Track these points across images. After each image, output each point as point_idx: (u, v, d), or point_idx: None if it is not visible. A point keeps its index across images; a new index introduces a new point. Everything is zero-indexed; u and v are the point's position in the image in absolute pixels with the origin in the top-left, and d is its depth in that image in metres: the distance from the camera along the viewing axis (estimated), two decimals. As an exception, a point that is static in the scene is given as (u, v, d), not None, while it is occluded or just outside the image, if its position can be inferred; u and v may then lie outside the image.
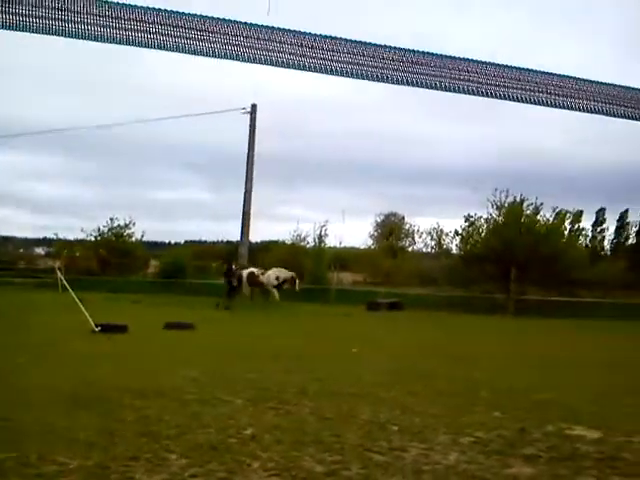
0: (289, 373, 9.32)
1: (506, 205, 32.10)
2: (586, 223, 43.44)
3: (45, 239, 41.30)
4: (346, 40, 1.99)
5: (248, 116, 36.53)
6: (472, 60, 2.20)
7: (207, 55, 2.03)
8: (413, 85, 2.07)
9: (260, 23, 2.07)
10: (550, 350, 14.02)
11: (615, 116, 2.28)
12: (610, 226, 47.92)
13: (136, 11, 1.98)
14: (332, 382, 8.73)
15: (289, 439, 5.68)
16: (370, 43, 2.03)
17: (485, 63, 2.20)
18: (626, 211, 47.79)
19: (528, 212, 32.24)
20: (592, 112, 2.29)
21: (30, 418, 6.18)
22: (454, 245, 35.64)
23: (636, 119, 2.42)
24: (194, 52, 2.03)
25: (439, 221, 50.86)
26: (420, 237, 46.43)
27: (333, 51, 1.98)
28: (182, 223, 78.08)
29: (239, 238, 37.84)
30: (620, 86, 2.42)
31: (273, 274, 27.91)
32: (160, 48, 2.00)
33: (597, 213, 47.68)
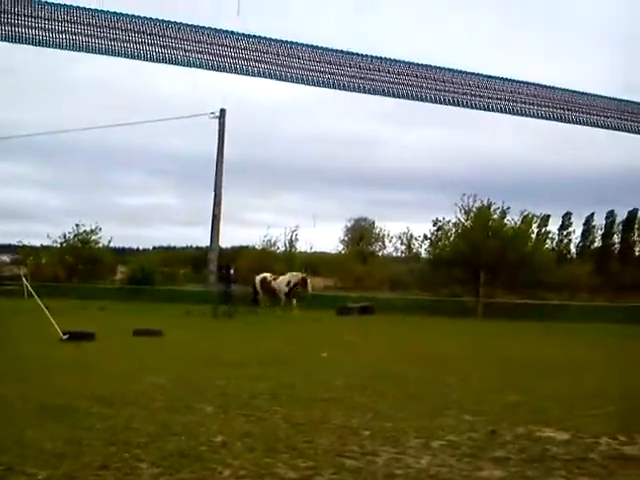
0: (259, 379, 9.27)
1: (474, 209, 32.48)
2: (553, 227, 44.20)
3: (10, 246, 40.54)
4: (326, 49, 1.99)
5: (217, 121, 36.43)
6: (440, 68, 2.21)
7: (168, 62, 1.99)
8: (386, 95, 2.08)
9: (227, 29, 2.05)
10: (518, 353, 14.18)
11: (582, 124, 2.31)
12: (576, 229, 48.76)
13: (96, 16, 1.94)
14: (303, 388, 8.71)
15: (261, 446, 5.65)
16: (343, 51, 2.03)
17: (453, 71, 2.22)
18: (592, 215, 48.67)
19: (495, 216, 32.67)
20: (559, 120, 2.32)
21: (-4, 429, 6.05)
22: (423, 249, 35.98)
23: (601, 127, 2.46)
24: (153, 59, 1.98)
25: (409, 225, 51.30)
26: (390, 242, 46.79)
27: (311, 60, 1.98)
28: (150, 229, 77.35)
29: (209, 244, 37.66)
30: (586, 94, 2.45)
31: (284, 280, 26.63)
32: (118, 55, 1.96)
33: (563, 217, 48.49)
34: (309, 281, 26.43)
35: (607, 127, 2.32)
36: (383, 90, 2.15)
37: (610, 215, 48.66)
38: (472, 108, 2.26)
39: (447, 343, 16.54)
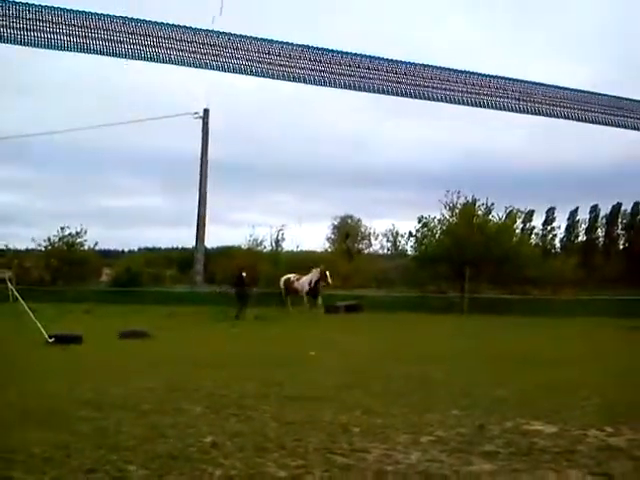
0: (248, 379, 9.26)
1: (458, 206, 32.64)
2: (537, 222, 44.53)
3: (-6, 249, 40.22)
4: (310, 47, 1.98)
5: (201, 121, 36.32)
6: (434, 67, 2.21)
7: (152, 60, 1.97)
8: (373, 91, 2.08)
9: (211, 29, 2.03)
10: (505, 347, 14.28)
11: (566, 118, 2.32)
12: (561, 224, 49.11)
13: (77, 16, 1.92)
14: (292, 386, 8.71)
15: (251, 445, 5.64)
16: (329, 49, 2.03)
17: (443, 69, 2.22)
18: (576, 209, 49.06)
19: (480, 212, 32.85)
20: (544, 115, 2.33)
21: (-18, 434, 6.00)
22: (409, 246, 36.12)
23: (586, 121, 2.47)
24: (138, 57, 1.97)
25: (395, 223, 51.49)
26: (376, 239, 46.90)
27: (300, 58, 1.97)
28: (135, 230, 77.07)
29: (194, 244, 37.54)
30: (569, 89, 2.46)
31: (307, 279, 26.06)
32: (100, 53, 1.94)
33: (547, 212, 48.83)
34: (328, 273, 25.66)
35: (591, 121, 2.33)
36: (369, 87, 2.14)
37: (594, 210, 49.09)
38: (456, 103, 2.26)
39: (434, 339, 16.62)
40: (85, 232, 37.54)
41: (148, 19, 1.98)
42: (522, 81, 2.39)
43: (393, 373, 10.11)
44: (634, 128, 2.48)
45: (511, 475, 4.90)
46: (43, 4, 1.86)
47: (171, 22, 1.99)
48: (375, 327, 20.51)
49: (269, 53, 2.01)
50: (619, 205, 47.86)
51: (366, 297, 30.74)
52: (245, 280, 25.14)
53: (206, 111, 36.30)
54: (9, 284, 19.73)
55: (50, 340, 13.85)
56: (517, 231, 35.35)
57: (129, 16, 1.96)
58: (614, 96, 2.50)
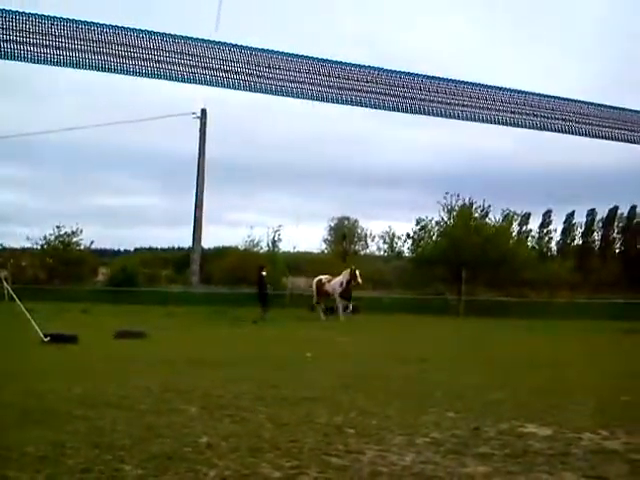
0: (244, 380, 9.26)
1: (456, 208, 32.71)
2: (533, 225, 44.61)
3: (-10, 248, 40.14)
4: (307, 57, 1.96)
5: (198, 121, 36.30)
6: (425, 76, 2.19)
7: (144, 75, 1.92)
8: (372, 107, 2.06)
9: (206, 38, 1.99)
10: (501, 350, 14.30)
11: (567, 133, 2.31)
12: (557, 227, 49.19)
13: (67, 26, 1.89)
14: (288, 387, 8.71)
15: (246, 446, 5.64)
16: (327, 60, 2.00)
17: (433, 78, 2.20)
18: (572, 213, 49.13)
19: (477, 215, 32.93)
20: (538, 129, 2.32)
21: (-23, 433, 5.99)
22: (406, 248, 36.16)
23: (584, 135, 2.45)
24: (129, 72, 1.91)
25: (391, 224, 51.53)
26: (373, 240, 46.93)
27: (289, 70, 1.95)
28: (132, 230, 76.92)
29: (191, 244, 37.51)
30: (566, 99, 2.45)
31: (338, 280, 24.60)
32: (92, 68, 1.89)
33: (544, 215, 48.88)
34: (358, 272, 24.38)
35: (589, 135, 2.33)
36: (363, 101, 2.12)
37: (591, 213, 49.16)
38: (453, 118, 2.24)
39: (430, 341, 16.64)
40: (81, 231, 37.54)
41: (138, 28, 1.93)
42: (518, 91, 2.37)
43: (389, 374, 10.12)
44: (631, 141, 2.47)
45: (506, 477, 4.91)
46: (34, 13, 1.82)
47: (163, 32, 1.95)
48: (371, 328, 20.53)
49: (267, 66, 1.97)
50: (616, 208, 47.96)
51: (363, 298, 30.74)
52: (266, 280, 24.12)
53: (204, 111, 36.29)
54: (4, 283, 19.68)
55: (46, 339, 13.83)
56: (514, 234, 35.44)
57: (119, 25, 1.92)
58: (610, 106, 2.49)
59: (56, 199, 65.90)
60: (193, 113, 36.02)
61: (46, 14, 1.80)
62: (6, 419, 6.57)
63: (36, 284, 33.76)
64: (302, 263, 39.93)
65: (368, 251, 47.84)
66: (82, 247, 38.01)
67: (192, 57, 1.85)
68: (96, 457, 5.25)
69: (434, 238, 33.18)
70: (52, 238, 37.16)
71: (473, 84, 2.18)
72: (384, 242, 43.05)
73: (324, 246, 49.02)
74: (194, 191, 36.39)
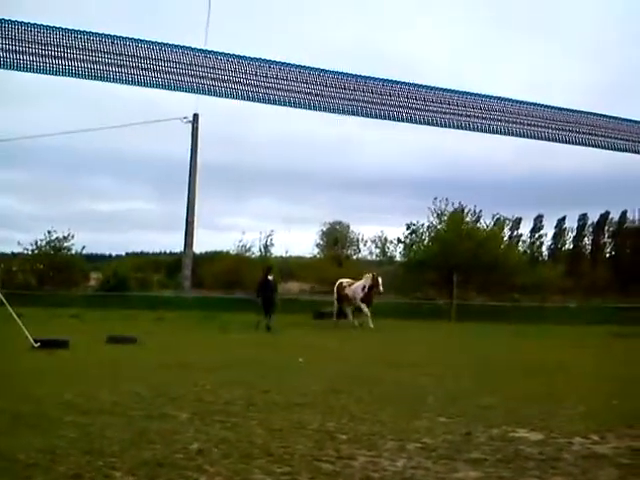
0: (235, 385, 9.24)
1: (446, 213, 32.81)
2: (524, 229, 44.81)
3: (-21, 253, 39.91)
4: (296, 66, 1.96)
5: (190, 125, 36.27)
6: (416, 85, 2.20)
7: (136, 84, 1.91)
8: (361, 115, 2.06)
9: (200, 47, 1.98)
10: (492, 355, 14.32)
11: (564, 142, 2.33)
12: (548, 232, 49.41)
13: (60, 35, 1.88)
14: (279, 393, 8.70)
15: (237, 452, 5.64)
16: (315, 68, 2.00)
17: (425, 87, 2.21)
18: (563, 218, 49.37)
19: (468, 219, 33.04)
20: (536, 138, 2.33)
21: (-34, 440, 5.95)
22: (398, 253, 36.19)
23: (580, 144, 2.47)
24: (119, 80, 1.90)
25: (383, 229, 51.58)
26: (365, 245, 46.91)
27: (283, 79, 1.95)
28: (123, 235, 76.61)
29: (182, 249, 37.44)
30: (561, 109, 2.46)
31: (360, 284, 23.13)
32: (85, 77, 1.88)
33: (535, 220, 49.10)
34: (380, 280, 22.99)
35: (581, 144, 2.34)
36: (356, 110, 2.12)
37: (582, 218, 49.39)
38: (445, 127, 2.25)
39: (421, 346, 16.65)
40: (72, 236, 37.38)
41: (130, 37, 1.92)
42: (509, 100, 2.38)
43: (381, 379, 10.13)
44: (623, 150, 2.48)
45: (497, 482, 4.92)
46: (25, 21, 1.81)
47: (157, 41, 1.94)
48: (363, 333, 20.53)
49: (261, 74, 1.96)
50: (607, 214, 48.21)
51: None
52: (272, 283, 22.19)
53: (195, 116, 36.26)
54: (-5, 288, 19.58)
55: (36, 345, 13.75)
56: (505, 238, 35.58)
57: (111, 34, 1.91)
58: (605, 115, 2.50)
59: (47, 204, 65.67)
60: (184, 118, 36.01)
61: (44, 24, 1.81)
62: (-4, 425, 6.54)
63: (27, 289, 33.58)
64: (295, 268, 39.94)
65: (360, 255, 47.83)
66: (73, 252, 37.86)
67: (185, 65, 1.85)
68: (87, 463, 5.23)
69: (425, 242, 33.25)
70: (43, 243, 37.00)
71: (464, 93, 2.19)
72: (376, 247, 43.05)
73: (316, 251, 49.01)
74: (186, 196, 36.35)
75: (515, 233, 41.95)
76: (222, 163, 52.35)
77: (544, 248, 49.24)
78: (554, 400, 8.52)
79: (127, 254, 53.41)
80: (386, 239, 40.02)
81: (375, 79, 2.07)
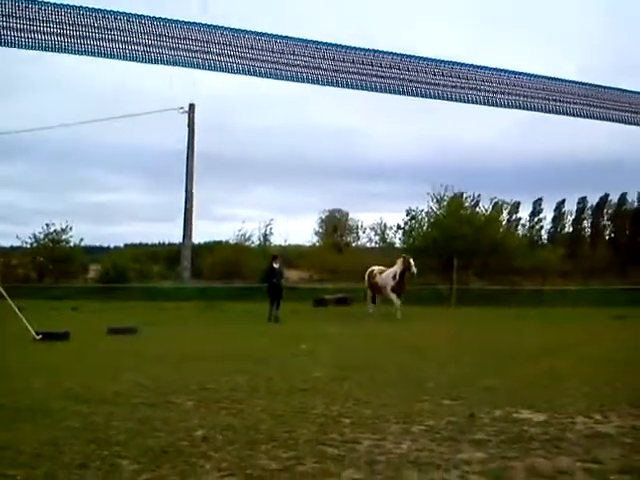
0: (239, 373, 9.25)
1: (446, 198, 32.78)
2: (523, 213, 44.77)
3: (-22, 248, 39.88)
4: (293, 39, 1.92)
5: (186, 115, 36.16)
6: (415, 57, 2.16)
7: (130, 59, 1.88)
8: (359, 88, 2.03)
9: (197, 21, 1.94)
10: (494, 338, 14.35)
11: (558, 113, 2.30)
12: (547, 216, 49.34)
13: (57, 11, 1.85)
14: (283, 379, 8.72)
15: (242, 438, 5.65)
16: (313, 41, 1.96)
17: (427, 60, 2.17)
18: (563, 201, 49.29)
19: (467, 204, 33.02)
20: (534, 110, 2.30)
21: (-29, 432, 5.95)
22: (397, 239, 36.18)
23: (572, 115, 2.44)
24: (116, 56, 1.86)
25: (382, 216, 51.56)
26: (364, 232, 46.92)
27: (281, 52, 1.92)
28: (122, 226, 76.45)
29: (181, 240, 37.42)
30: (557, 79, 2.44)
31: (391, 272, 21.56)
32: (80, 53, 1.84)
33: (534, 203, 49.00)
34: (412, 262, 21.25)
35: (582, 116, 2.31)
36: (357, 84, 2.09)
37: (582, 201, 49.32)
38: (441, 99, 2.21)
39: (423, 331, 16.67)
40: (70, 229, 37.36)
41: (126, 11, 1.88)
42: (508, 72, 2.35)
43: (383, 364, 10.14)
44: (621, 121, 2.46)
45: (502, 463, 4.93)
46: None
47: (153, 15, 1.90)
48: (364, 319, 20.55)
49: (259, 48, 1.93)
50: (606, 197, 48.13)
51: (355, 290, 30.77)
52: (278, 271, 20.99)
53: (192, 106, 36.13)
54: (-5, 282, 19.56)
55: (38, 337, 13.78)
56: (504, 223, 35.57)
57: (104, 8, 1.88)
58: (602, 86, 2.47)
59: (45, 197, 65.42)
60: (181, 108, 35.88)
61: (43, 0, 1.78)
62: (0, 416, 6.54)
63: (26, 283, 33.62)
64: (294, 256, 39.92)
65: (360, 243, 47.84)
66: (72, 244, 37.85)
67: (182, 40, 1.82)
68: (92, 453, 5.24)
69: (425, 229, 33.23)
70: (42, 236, 37.00)
71: (462, 64, 2.16)
72: (375, 234, 43.03)
73: (316, 239, 49.01)
74: (184, 186, 36.27)
75: (514, 217, 41.92)
76: (219, 153, 52.13)
77: (543, 232, 49.21)
78: (557, 381, 8.55)
79: (126, 245, 53.40)
80: (385, 226, 40.04)
81: (373, 51, 2.04)
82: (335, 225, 49.54)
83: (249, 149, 58.48)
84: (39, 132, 36.88)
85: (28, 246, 37.00)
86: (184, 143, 36.13)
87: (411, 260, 21.32)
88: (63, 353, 12.06)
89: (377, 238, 42.03)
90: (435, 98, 2.08)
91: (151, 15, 1.83)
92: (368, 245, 44.62)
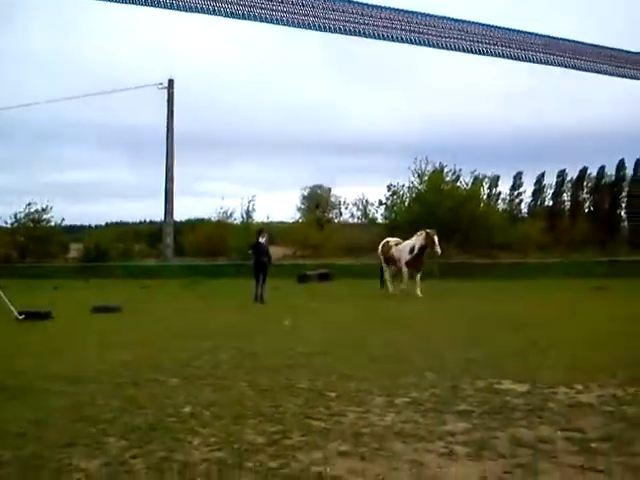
0: (223, 350, 9.28)
1: (427, 173, 32.84)
2: (503, 187, 45.05)
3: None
4: None
5: (165, 91, 35.77)
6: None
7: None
8: (336, 32, 1.97)
9: None
10: (476, 311, 14.49)
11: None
12: (527, 189, 49.64)
13: None
14: (267, 355, 8.76)
15: (228, 414, 5.69)
16: None
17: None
18: (542, 174, 49.58)
19: (448, 179, 33.11)
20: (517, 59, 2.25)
21: (-45, 412, 5.94)
22: (379, 214, 36.25)
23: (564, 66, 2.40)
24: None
25: (364, 191, 51.59)
26: (346, 208, 46.95)
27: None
28: (102, 205, 75.98)
29: (162, 218, 37.22)
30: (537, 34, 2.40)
31: (408, 245, 19.36)
32: None
33: (514, 177, 49.26)
34: (436, 238, 18.87)
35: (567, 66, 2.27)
36: (332, 28, 2.02)
37: (561, 174, 49.63)
38: (419, 45, 2.15)
39: (403, 304, 16.78)
40: (51, 208, 37.07)
41: None
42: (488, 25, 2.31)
43: (366, 338, 10.22)
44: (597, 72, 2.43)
45: (485, 433, 5.01)
46: None
47: None
48: (347, 295, 20.63)
49: None
50: (585, 169, 48.47)
51: (337, 265, 30.87)
52: (265, 246, 19.21)
53: (171, 81, 35.72)
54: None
55: (20, 317, 13.69)
56: (484, 196, 35.74)
57: None
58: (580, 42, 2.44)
59: (23, 176, 64.61)
60: (160, 84, 35.48)
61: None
62: (-15, 397, 6.52)
63: (7, 262, 33.34)
64: (276, 233, 39.88)
65: (342, 219, 47.88)
66: (53, 224, 37.57)
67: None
68: (79, 431, 5.25)
69: (406, 204, 33.31)
70: (22, 216, 36.70)
71: (446, 18, 2.13)
72: (358, 209, 43.08)
73: (298, 215, 48.98)
74: (164, 163, 35.98)
75: (494, 191, 42.15)
76: (199, 129, 51.80)
77: (523, 205, 49.53)
78: (538, 352, 8.67)
79: (107, 224, 53.07)
80: (367, 201, 40.07)
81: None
82: (318, 201, 49.52)
83: (230, 124, 58.11)
84: (16, 110, 36.34)
85: (8, 226, 36.70)
86: (164, 119, 35.79)
87: (436, 237, 18.87)
88: (47, 332, 12.01)
89: (359, 214, 42.10)
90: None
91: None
92: (351, 221, 44.70)
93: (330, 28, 1.92)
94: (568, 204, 49.91)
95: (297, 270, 28.51)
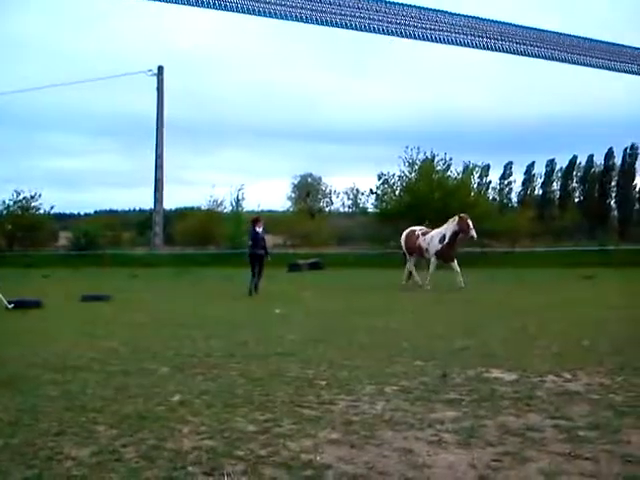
0: (213, 339, 9.29)
1: (418, 162, 32.87)
2: (494, 176, 45.21)
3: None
4: None
5: (155, 78, 35.54)
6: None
7: None
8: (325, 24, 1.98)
9: None
10: (465, 299, 14.56)
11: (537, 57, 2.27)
12: (517, 179, 49.87)
13: None
14: (258, 344, 8.78)
15: (219, 402, 5.70)
16: None
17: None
18: (532, 164, 49.77)
19: (439, 168, 33.15)
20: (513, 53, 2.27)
21: (-55, 401, 5.91)
22: (370, 204, 36.28)
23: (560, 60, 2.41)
24: None
25: (355, 180, 51.56)
26: (337, 197, 46.97)
27: None
28: (91, 193, 75.65)
29: (152, 206, 37.08)
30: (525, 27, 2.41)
31: (439, 233, 17.98)
32: None
33: (505, 166, 49.45)
34: (470, 222, 17.44)
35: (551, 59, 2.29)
36: (318, 19, 2.02)
37: (550, 163, 49.84)
38: (407, 37, 2.17)
39: (394, 293, 16.85)
40: (40, 196, 36.87)
41: None
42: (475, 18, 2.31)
43: (356, 327, 10.26)
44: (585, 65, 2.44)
45: (474, 421, 5.05)
46: None
47: None
48: (337, 284, 20.69)
49: None
50: (575, 159, 48.68)
51: (328, 255, 30.94)
52: (262, 236, 17.92)
53: (160, 68, 35.49)
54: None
55: (10, 306, 13.65)
56: (474, 185, 35.82)
57: None
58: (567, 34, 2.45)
59: (12, 164, 64.20)
60: (149, 70, 35.25)
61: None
62: (-26, 386, 6.50)
63: (-5, 251, 33.20)
64: (267, 222, 39.80)
65: (333, 208, 47.92)
66: (42, 212, 37.39)
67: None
68: (69, 420, 5.25)
69: (397, 193, 33.33)
70: (11, 203, 36.48)
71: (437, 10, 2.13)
72: (348, 198, 43.10)
73: (289, 204, 48.95)
74: (154, 151, 35.81)
75: (484, 180, 42.28)
76: (189, 116, 51.58)
77: (513, 194, 49.75)
78: (525, 342, 8.73)
79: (96, 212, 52.88)
80: (358, 190, 40.09)
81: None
82: (308, 190, 49.50)
83: (220, 112, 57.83)
84: (3, 97, 36.02)
85: (-4, 214, 36.53)
86: (153, 107, 35.59)
87: (470, 221, 17.49)
88: (36, 321, 11.98)
89: (350, 203, 42.11)
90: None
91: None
92: (341, 210, 44.74)
93: (319, 20, 1.92)
94: (558, 193, 50.15)
95: (288, 259, 28.54)
